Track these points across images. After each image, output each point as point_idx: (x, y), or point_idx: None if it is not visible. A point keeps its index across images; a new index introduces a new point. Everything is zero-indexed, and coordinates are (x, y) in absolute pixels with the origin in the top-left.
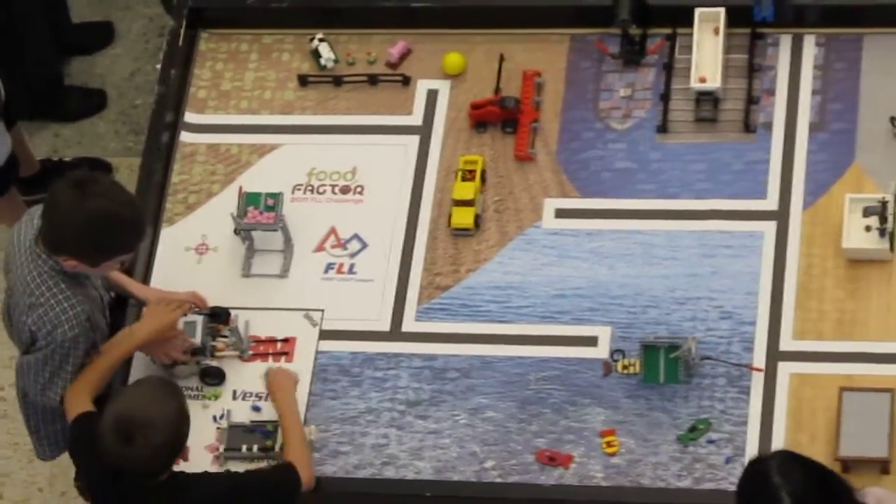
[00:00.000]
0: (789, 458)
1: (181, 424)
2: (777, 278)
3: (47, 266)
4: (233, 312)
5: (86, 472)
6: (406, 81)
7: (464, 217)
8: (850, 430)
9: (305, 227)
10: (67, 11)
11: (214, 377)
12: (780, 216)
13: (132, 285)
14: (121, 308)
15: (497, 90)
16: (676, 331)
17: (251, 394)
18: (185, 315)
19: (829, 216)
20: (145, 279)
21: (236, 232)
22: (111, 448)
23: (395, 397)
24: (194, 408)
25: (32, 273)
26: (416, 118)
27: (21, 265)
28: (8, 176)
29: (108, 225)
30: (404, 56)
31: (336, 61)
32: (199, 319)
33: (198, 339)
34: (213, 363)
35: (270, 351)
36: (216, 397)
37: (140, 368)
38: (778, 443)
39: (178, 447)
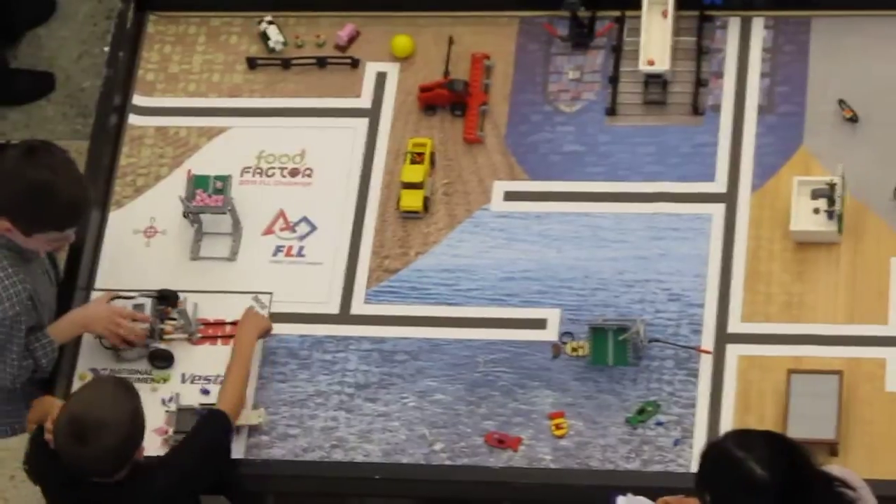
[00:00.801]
0: (743, 433)
1: (135, 426)
2: (725, 261)
3: None
4: (181, 295)
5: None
6: (355, 64)
7: (413, 200)
8: (799, 412)
9: (254, 210)
10: None
11: (163, 360)
12: (729, 199)
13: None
14: (68, 292)
15: (446, 73)
16: (625, 313)
17: (200, 377)
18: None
19: (778, 199)
20: (93, 262)
21: (185, 215)
22: (64, 448)
23: (344, 380)
24: (143, 391)
25: None
26: (364, 101)
27: None
28: None
29: (44, 196)
30: (353, 39)
31: (285, 44)
32: (148, 302)
33: (145, 325)
34: (162, 346)
35: (219, 334)
36: (165, 380)
37: (87, 352)
38: (726, 425)
39: (131, 448)
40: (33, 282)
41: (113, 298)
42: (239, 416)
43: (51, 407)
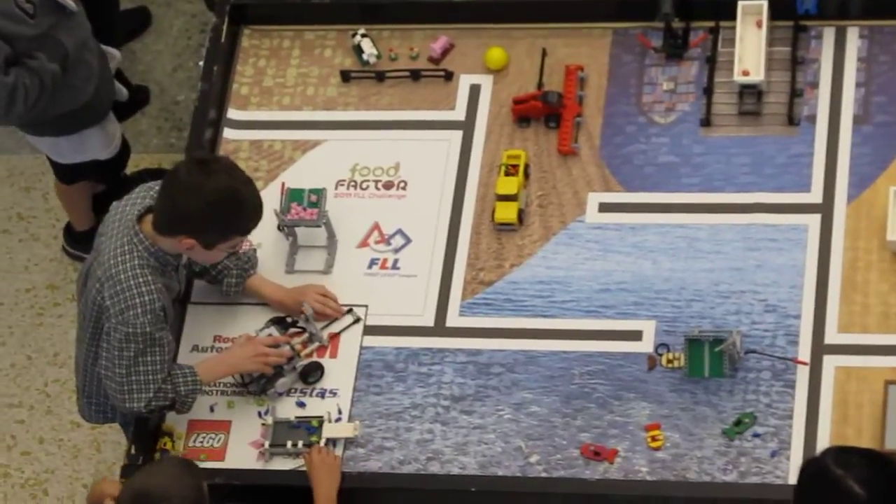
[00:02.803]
0: (843, 450)
1: (199, 502)
2: (822, 271)
3: (141, 247)
4: (304, 309)
5: None
6: (448, 76)
7: (507, 212)
8: None
9: (349, 223)
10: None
11: (314, 372)
12: (825, 209)
13: (265, 287)
14: (182, 303)
15: (540, 85)
16: (721, 324)
17: (296, 390)
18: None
19: (874, 209)
20: (189, 278)
21: (280, 228)
22: None
23: (440, 392)
24: (240, 404)
25: (125, 247)
26: (458, 113)
27: (116, 234)
28: (118, 164)
29: (230, 202)
30: (446, 51)
31: (378, 57)
32: (273, 329)
33: (285, 347)
34: (305, 361)
35: (305, 352)
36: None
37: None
38: (823, 436)
39: None
40: (168, 298)
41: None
42: None
43: (109, 486)
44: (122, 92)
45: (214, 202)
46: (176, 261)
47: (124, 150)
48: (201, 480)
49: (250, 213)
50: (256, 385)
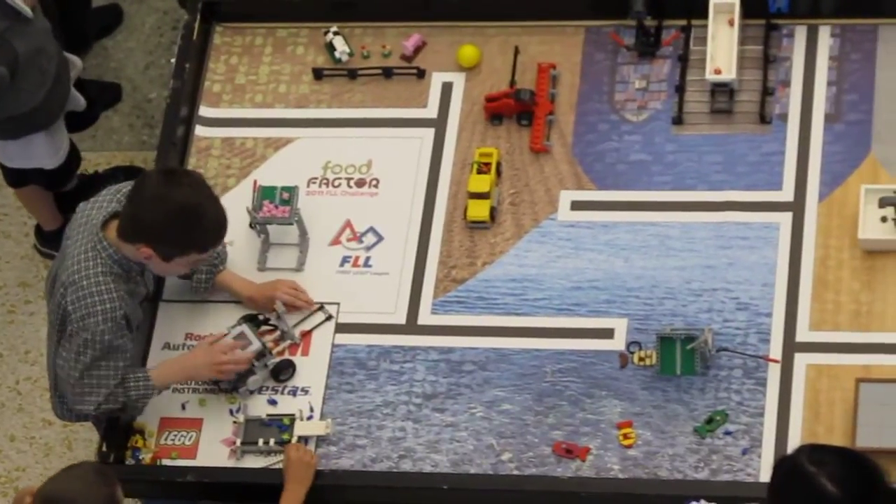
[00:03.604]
0: (817, 448)
1: None
2: (793, 269)
3: (105, 254)
4: (277, 303)
5: None
6: (421, 74)
7: (479, 210)
8: (868, 420)
9: (321, 221)
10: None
11: (286, 370)
12: (796, 207)
13: (235, 282)
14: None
15: (512, 83)
16: (693, 322)
17: (267, 387)
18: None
19: (845, 207)
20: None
21: (252, 226)
22: None
23: (412, 390)
24: (212, 401)
25: (88, 253)
26: (431, 111)
27: (80, 239)
28: (65, 174)
29: (192, 216)
30: (419, 49)
31: (351, 54)
32: (245, 327)
33: (257, 343)
34: (277, 359)
35: (276, 349)
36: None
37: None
38: (794, 434)
39: None
40: (131, 304)
41: (213, 342)
42: None
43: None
44: (80, 101)
45: (175, 214)
46: (140, 266)
47: (72, 161)
48: (114, 488)
49: (211, 230)
50: (227, 383)
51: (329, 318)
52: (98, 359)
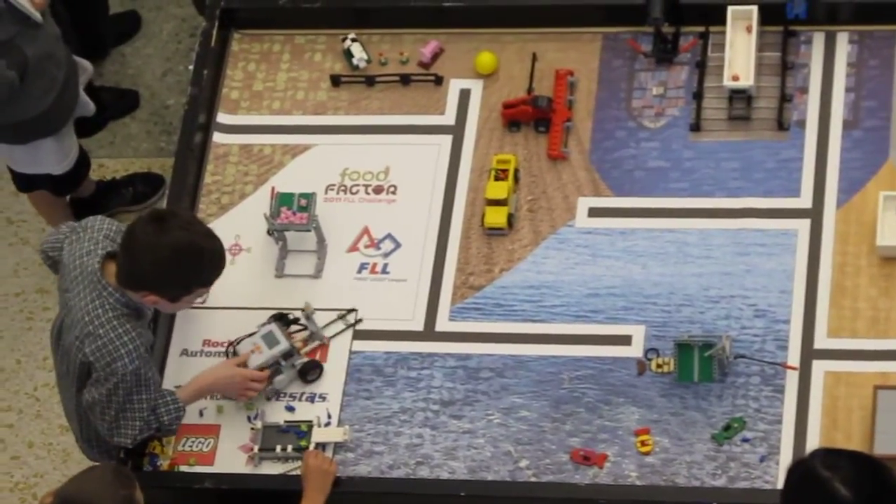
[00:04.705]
0: (830, 452)
1: None
2: (811, 276)
3: (112, 299)
4: (305, 303)
5: None
6: (438, 81)
7: (497, 216)
8: (885, 428)
9: (338, 228)
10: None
11: (314, 370)
12: (814, 214)
13: None
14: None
15: (529, 89)
16: (710, 329)
17: (285, 394)
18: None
19: (863, 214)
20: None
21: (269, 232)
22: None
23: (429, 397)
24: (230, 408)
25: (95, 302)
26: (448, 118)
27: (81, 291)
28: (73, 181)
29: (189, 257)
30: (436, 56)
31: (368, 61)
32: (273, 326)
33: (285, 343)
34: (304, 359)
35: (304, 350)
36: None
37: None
38: (812, 441)
39: None
40: (146, 335)
41: (240, 364)
42: None
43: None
44: (89, 106)
45: (172, 259)
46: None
47: (81, 167)
48: (133, 490)
49: (210, 266)
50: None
51: (351, 325)
52: (129, 393)
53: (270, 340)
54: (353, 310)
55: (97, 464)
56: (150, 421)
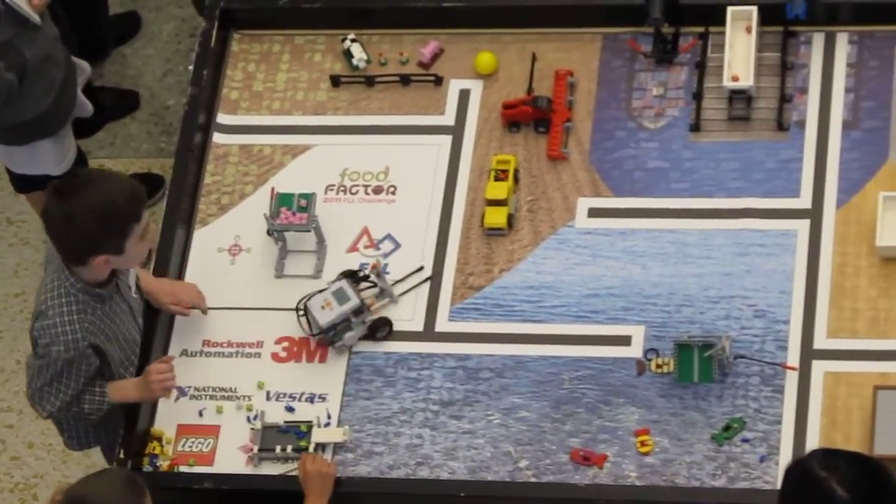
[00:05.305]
0: (828, 452)
1: None
2: (811, 277)
3: (68, 283)
4: (370, 263)
5: None
6: (438, 81)
7: (497, 217)
8: (885, 428)
9: (338, 228)
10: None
11: (384, 327)
12: (814, 214)
13: (142, 279)
14: (155, 311)
15: (529, 90)
16: (710, 329)
17: (285, 394)
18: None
19: (863, 214)
20: (179, 280)
21: (269, 233)
22: None
23: (429, 397)
24: (230, 408)
25: (54, 283)
26: (448, 118)
27: (50, 269)
28: None
29: (107, 209)
30: (436, 56)
31: (368, 62)
32: (344, 283)
33: (356, 300)
34: (374, 316)
35: (304, 350)
36: (249, 398)
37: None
38: (812, 441)
39: None
40: (110, 323)
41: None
42: None
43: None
44: (87, 107)
45: (91, 218)
46: (111, 289)
47: (79, 167)
48: (143, 498)
49: (129, 204)
50: (325, 336)
51: (428, 279)
52: (59, 376)
53: (341, 297)
54: (421, 267)
55: (110, 467)
56: (71, 405)
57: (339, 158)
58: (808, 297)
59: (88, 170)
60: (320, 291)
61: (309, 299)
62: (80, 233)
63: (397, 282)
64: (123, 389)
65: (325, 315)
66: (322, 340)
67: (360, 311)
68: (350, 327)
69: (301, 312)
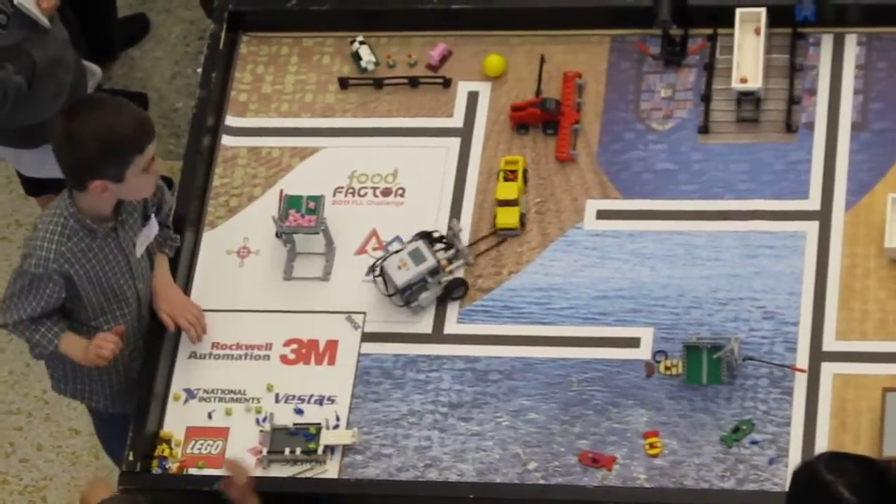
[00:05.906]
0: (836, 456)
1: None
2: (820, 278)
3: (64, 205)
4: (449, 225)
5: None
6: (447, 83)
7: (509, 217)
8: (895, 430)
9: (347, 230)
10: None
11: (459, 288)
12: (823, 216)
13: (157, 273)
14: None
15: (538, 92)
16: (719, 331)
17: (294, 396)
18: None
19: (872, 216)
20: (187, 282)
21: (278, 235)
22: None
23: (438, 399)
24: (239, 410)
25: (52, 210)
26: (456, 120)
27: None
28: None
29: (110, 133)
30: (445, 58)
31: (376, 64)
32: (420, 243)
33: (432, 260)
34: (449, 277)
35: (313, 352)
36: (258, 400)
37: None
38: (821, 444)
39: None
40: (95, 263)
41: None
42: None
43: (98, 489)
44: None
45: (95, 140)
46: (105, 228)
47: None
48: None
49: (134, 133)
50: (400, 297)
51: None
52: (25, 290)
53: (417, 257)
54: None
55: (116, 494)
56: (29, 326)
57: (347, 160)
58: (817, 299)
59: (104, 95)
60: (396, 251)
61: (385, 259)
62: (79, 154)
63: (473, 243)
64: (73, 345)
65: (402, 275)
66: (398, 302)
67: (435, 271)
68: (426, 287)
69: (377, 273)
